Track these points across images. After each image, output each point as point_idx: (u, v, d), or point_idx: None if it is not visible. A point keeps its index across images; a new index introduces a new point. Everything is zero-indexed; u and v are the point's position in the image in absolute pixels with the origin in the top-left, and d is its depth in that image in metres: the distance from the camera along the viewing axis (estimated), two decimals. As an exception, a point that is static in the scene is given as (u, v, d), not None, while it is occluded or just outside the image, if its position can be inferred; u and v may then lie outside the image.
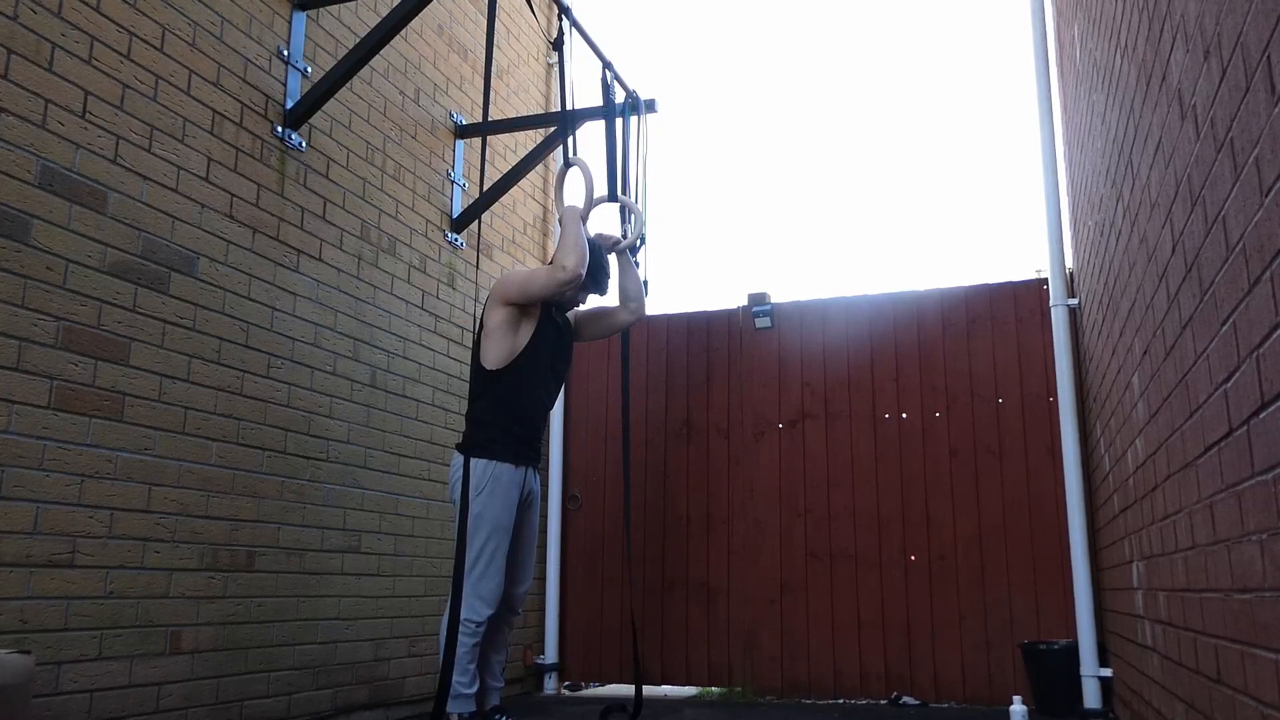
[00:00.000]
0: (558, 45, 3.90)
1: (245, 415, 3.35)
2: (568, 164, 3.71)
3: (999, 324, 4.84)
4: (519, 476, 3.42)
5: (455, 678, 3.21)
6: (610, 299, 3.88)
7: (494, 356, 3.43)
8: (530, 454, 3.50)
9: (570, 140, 3.84)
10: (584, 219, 3.60)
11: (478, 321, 3.53)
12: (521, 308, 3.46)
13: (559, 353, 3.62)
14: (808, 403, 5.08)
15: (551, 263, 3.45)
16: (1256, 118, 1.39)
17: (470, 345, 4.72)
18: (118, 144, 2.93)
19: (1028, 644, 4.33)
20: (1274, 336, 1.36)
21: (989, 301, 4.89)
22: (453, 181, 4.78)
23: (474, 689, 3.30)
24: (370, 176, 4.13)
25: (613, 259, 3.82)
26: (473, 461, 3.31)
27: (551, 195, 5.77)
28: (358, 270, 4.00)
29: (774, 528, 5.00)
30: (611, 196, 3.99)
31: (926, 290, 5.02)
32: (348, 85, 3.97)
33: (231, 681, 3.21)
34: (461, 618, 3.19)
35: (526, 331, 3.47)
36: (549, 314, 3.58)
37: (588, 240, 3.54)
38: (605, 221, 6.96)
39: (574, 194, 5.29)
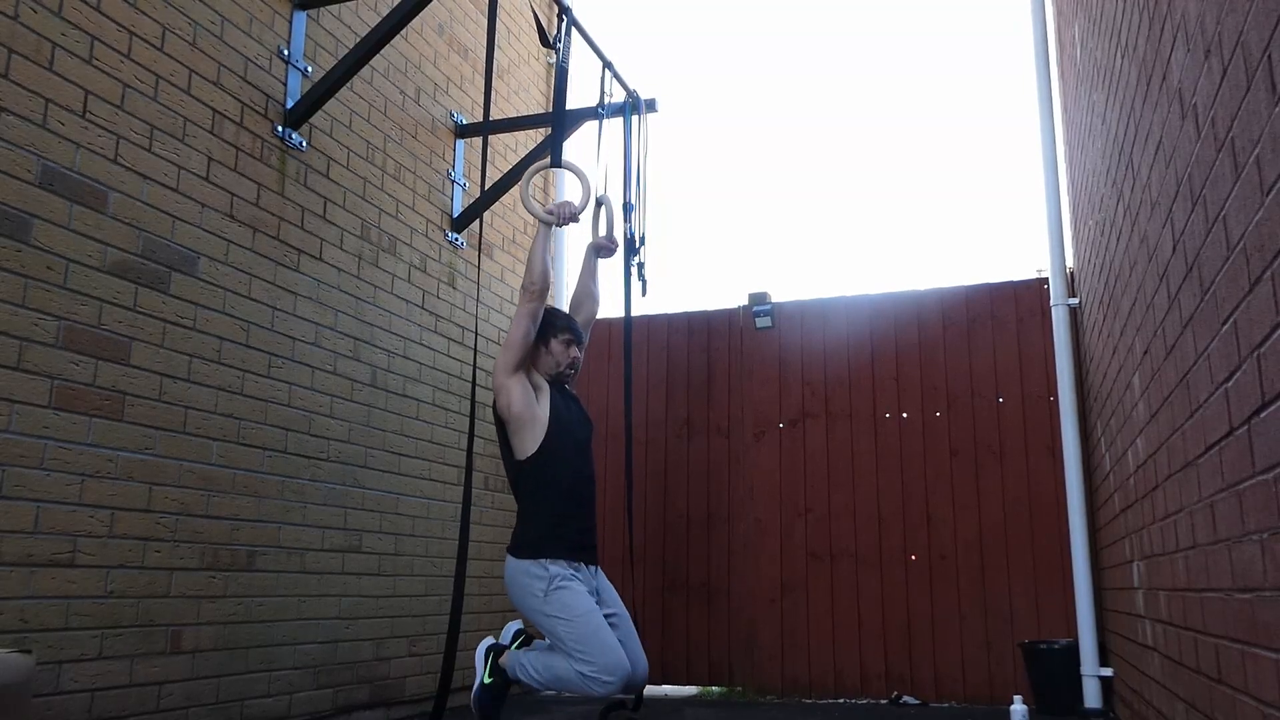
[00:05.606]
0: (555, 45, 3.89)
1: (246, 415, 3.35)
2: (554, 165, 3.66)
3: (999, 323, 4.84)
4: (579, 575, 3.26)
5: (525, 676, 3.19)
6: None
7: (524, 443, 3.30)
8: (586, 545, 3.33)
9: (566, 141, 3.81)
10: (577, 220, 3.54)
11: (494, 417, 3.37)
12: (529, 377, 3.35)
13: (579, 421, 3.50)
14: (808, 402, 5.08)
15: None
16: (1257, 117, 1.39)
17: (470, 346, 4.72)
18: (118, 144, 2.93)
19: (1028, 643, 4.33)
20: (1275, 336, 1.36)
21: (989, 301, 4.89)
22: (453, 181, 4.78)
23: (516, 682, 3.27)
24: (370, 176, 4.13)
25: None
26: (527, 564, 3.21)
27: (552, 194, 5.77)
28: (358, 270, 4.00)
29: (774, 527, 5.00)
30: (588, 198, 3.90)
31: (927, 290, 5.02)
32: (348, 85, 3.97)
33: (232, 681, 3.21)
34: (589, 688, 3.10)
35: (544, 405, 3.34)
36: (558, 386, 3.47)
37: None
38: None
39: (573, 196, 5.24)
